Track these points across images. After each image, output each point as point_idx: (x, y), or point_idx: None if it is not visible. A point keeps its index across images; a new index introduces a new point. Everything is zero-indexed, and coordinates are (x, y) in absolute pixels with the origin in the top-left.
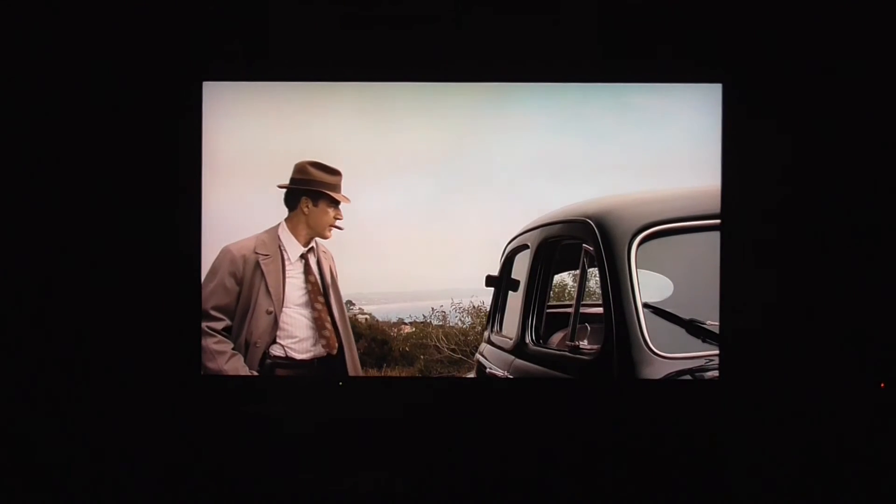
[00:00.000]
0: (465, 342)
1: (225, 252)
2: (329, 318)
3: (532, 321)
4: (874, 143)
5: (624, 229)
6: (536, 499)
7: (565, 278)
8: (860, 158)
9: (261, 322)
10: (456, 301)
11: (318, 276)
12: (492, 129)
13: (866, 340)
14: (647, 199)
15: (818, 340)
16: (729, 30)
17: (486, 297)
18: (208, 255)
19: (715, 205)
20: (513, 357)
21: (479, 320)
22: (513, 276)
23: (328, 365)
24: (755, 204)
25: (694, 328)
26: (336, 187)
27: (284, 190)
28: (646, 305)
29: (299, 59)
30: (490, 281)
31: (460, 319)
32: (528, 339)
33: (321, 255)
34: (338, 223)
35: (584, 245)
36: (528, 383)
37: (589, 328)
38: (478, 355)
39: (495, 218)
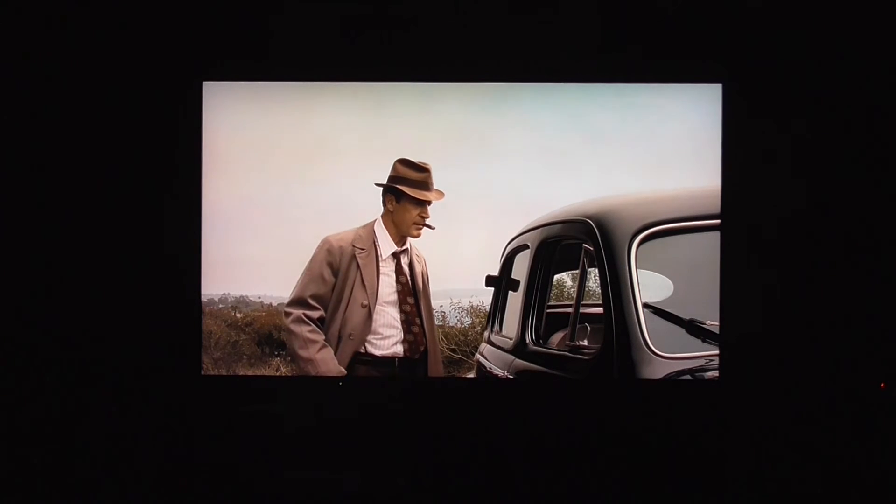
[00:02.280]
0: (464, 342)
1: (324, 242)
2: (418, 321)
3: (532, 321)
4: (874, 143)
5: (624, 229)
6: (536, 499)
7: (565, 278)
8: (860, 158)
9: (355, 315)
10: (455, 301)
11: (408, 277)
12: (492, 129)
13: (866, 340)
14: (647, 199)
15: (818, 340)
16: (729, 30)
17: (485, 297)
18: (208, 255)
19: (715, 205)
20: (513, 357)
21: (478, 320)
22: (513, 276)
23: (409, 367)
24: (755, 204)
25: (694, 328)
26: (421, 184)
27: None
28: (646, 305)
29: (299, 59)
30: (490, 281)
31: (460, 319)
32: (527, 339)
33: (414, 257)
34: (427, 221)
35: (583, 245)
36: (528, 383)
37: (589, 328)
38: (478, 355)
39: (495, 218)
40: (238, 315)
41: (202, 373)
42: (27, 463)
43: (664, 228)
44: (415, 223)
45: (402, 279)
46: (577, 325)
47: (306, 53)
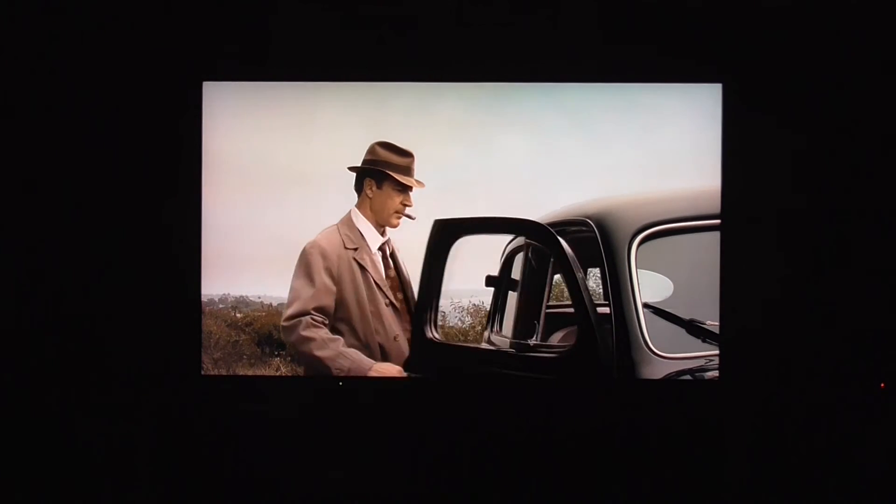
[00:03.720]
0: (465, 342)
1: (313, 248)
2: (409, 317)
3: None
4: (875, 143)
5: (624, 230)
6: (536, 499)
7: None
8: (860, 158)
9: (387, 317)
10: (455, 301)
11: (395, 270)
12: (492, 129)
13: (866, 340)
14: (647, 200)
15: (818, 340)
16: (729, 30)
17: (485, 297)
18: (208, 255)
19: (715, 205)
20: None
21: (478, 320)
22: (513, 276)
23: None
24: (755, 204)
25: (694, 328)
26: (404, 169)
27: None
28: (646, 305)
29: (299, 60)
30: (490, 281)
31: (460, 319)
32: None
33: (394, 246)
34: (408, 211)
35: (545, 249)
36: (526, 383)
37: (538, 325)
38: None
39: None
40: (238, 315)
41: (202, 373)
42: (28, 463)
43: (664, 228)
44: (396, 211)
45: (391, 273)
46: (536, 324)
47: (306, 53)
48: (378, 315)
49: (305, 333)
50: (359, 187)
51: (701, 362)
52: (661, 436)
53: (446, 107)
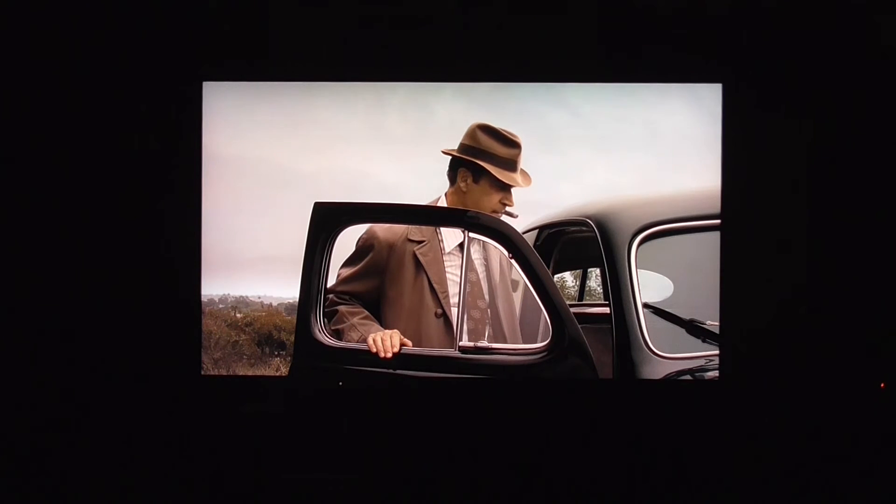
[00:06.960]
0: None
1: (367, 233)
2: (489, 330)
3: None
4: (875, 143)
5: (624, 230)
6: (535, 499)
7: (566, 277)
8: (860, 157)
9: (428, 327)
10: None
11: (480, 273)
12: None
13: (866, 340)
14: (647, 200)
15: (818, 340)
16: (729, 30)
17: None
18: (208, 255)
19: (715, 205)
20: None
21: None
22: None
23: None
24: (755, 204)
25: (694, 328)
26: (508, 163)
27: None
28: (646, 305)
29: (299, 59)
30: None
31: None
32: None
33: (490, 244)
34: (508, 209)
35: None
36: (524, 383)
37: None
38: None
39: None
40: (238, 315)
41: (202, 373)
42: (27, 463)
43: (664, 228)
44: (494, 210)
45: (472, 276)
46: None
47: (306, 53)
48: (417, 322)
49: (328, 309)
50: (452, 175)
51: (701, 362)
52: (661, 436)
53: (446, 106)
